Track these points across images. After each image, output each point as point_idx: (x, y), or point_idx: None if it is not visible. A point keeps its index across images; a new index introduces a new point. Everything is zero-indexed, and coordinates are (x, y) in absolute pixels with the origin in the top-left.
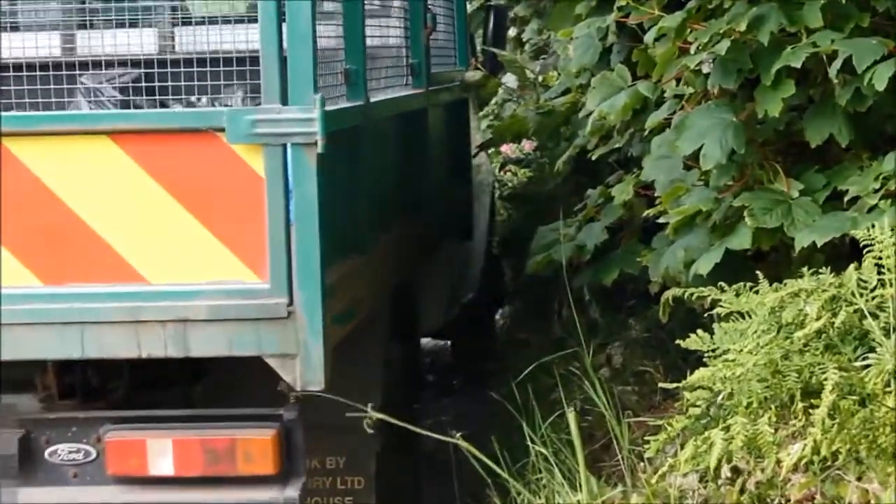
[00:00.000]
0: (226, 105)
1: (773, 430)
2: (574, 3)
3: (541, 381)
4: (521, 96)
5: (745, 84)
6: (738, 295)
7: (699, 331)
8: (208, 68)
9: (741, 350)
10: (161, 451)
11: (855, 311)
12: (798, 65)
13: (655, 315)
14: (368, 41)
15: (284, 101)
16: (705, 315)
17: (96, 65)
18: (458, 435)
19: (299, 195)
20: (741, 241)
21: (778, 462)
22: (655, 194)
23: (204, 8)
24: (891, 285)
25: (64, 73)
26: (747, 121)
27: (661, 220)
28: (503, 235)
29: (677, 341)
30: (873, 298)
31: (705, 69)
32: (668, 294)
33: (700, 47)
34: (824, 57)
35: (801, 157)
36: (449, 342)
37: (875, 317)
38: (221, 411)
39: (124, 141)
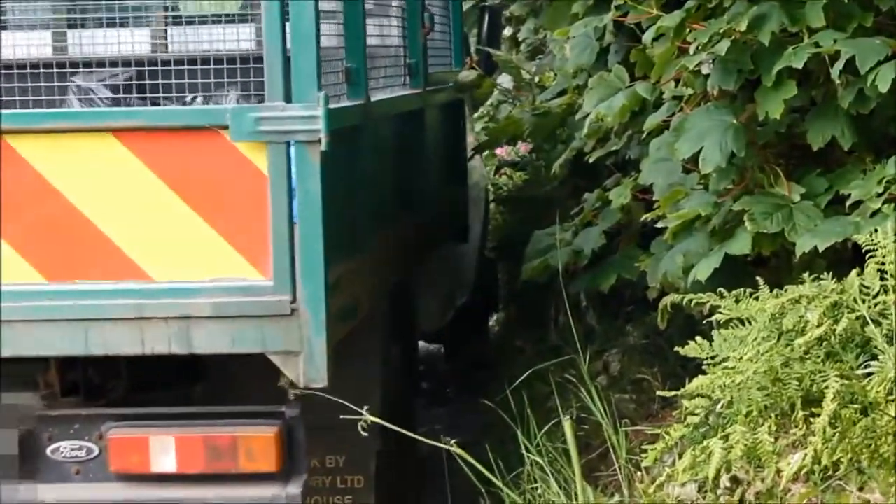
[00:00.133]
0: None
1: (772, 440)
2: (571, 2)
3: (536, 389)
4: (517, 97)
5: (745, 85)
6: (737, 301)
7: (698, 338)
8: (198, 67)
9: (741, 357)
10: (163, 448)
11: (857, 318)
12: (800, 65)
13: (653, 321)
14: (367, 41)
15: (288, 98)
16: (704, 322)
17: (88, 65)
18: (451, 442)
19: (303, 193)
20: (741, 245)
21: (778, 472)
22: (654, 198)
23: (195, 7)
24: (894, 292)
25: (55, 72)
26: (748, 123)
27: (659, 225)
28: (498, 240)
29: (676, 348)
30: (876, 305)
31: (705, 70)
32: (667, 300)
33: (699, 47)
34: (826, 57)
35: (802, 160)
36: (441, 347)
37: (877, 324)
38: (224, 409)
39: (128, 138)
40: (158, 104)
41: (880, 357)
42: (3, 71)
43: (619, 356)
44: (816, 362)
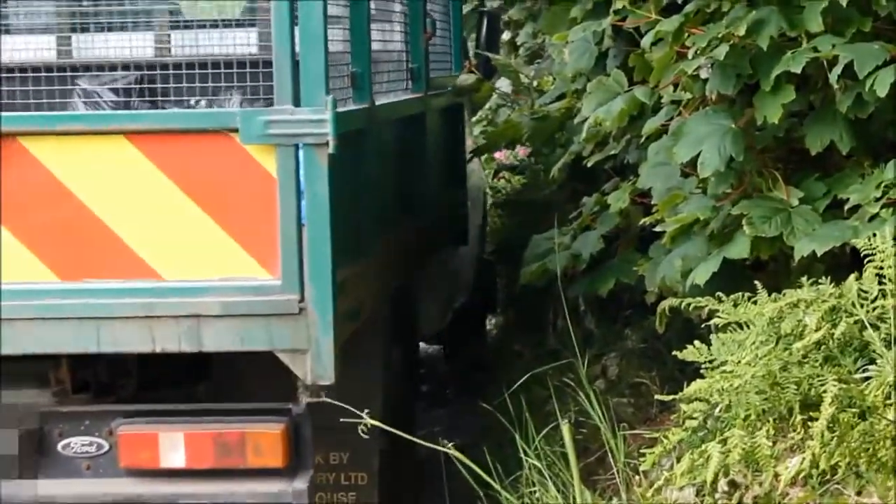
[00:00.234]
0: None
1: (771, 444)
2: (569, 7)
3: (535, 393)
4: (516, 101)
5: (743, 90)
6: (736, 305)
7: (696, 342)
8: (197, 71)
9: (739, 361)
10: (173, 444)
11: (855, 322)
12: (798, 70)
13: (652, 325)
14: (371, 45)
15: (297, 102)
16: (703, 326)
17: (93, 68)
18: (450, 445)
19: (311, 194)
20: (739, 250)
21: (776, 476)
22: (652, 202)
23: (196, 12)
24: (892, 296)
25: (56, 75)
26: (746, 127)
27: (658, 229)
28: (497, 243)
29: (674, 352)
30: (874, 309)
31: (703, 74)
32: (665, 304)
33: (698, 52)
34: (825, 62)
35: (800, 165)
36: (441, 348)
37: (875, 328)
38: (232, 406)
39: (140, 140)
40: (161, 107)
41: (878, 361)
42: (7, 75)
43: (618, 360)
44: (815, 366)
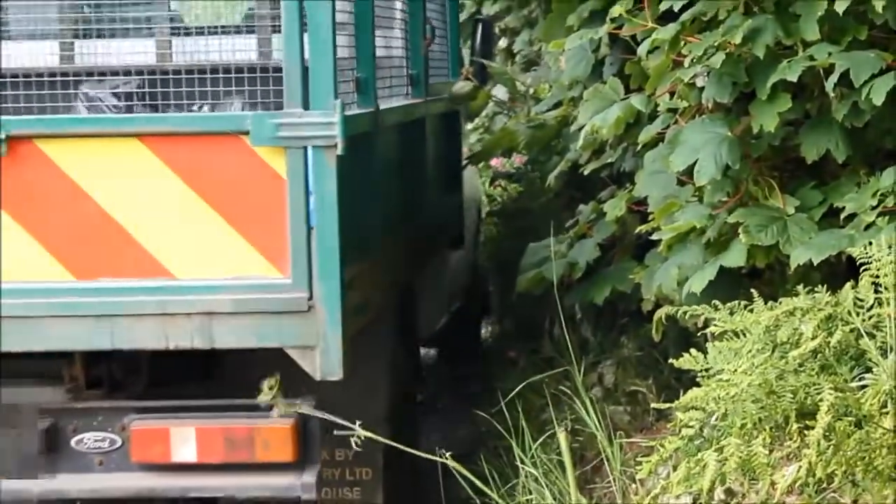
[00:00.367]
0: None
1: (767, 452)
2: (566, 15)
3: (531, 401)
4: (512, 109)
5: (740, 98)
6: (732, 313)
7: (693, 350)
8: (193, 76)
9: (735, 370)
10: (184, 439)
11: (851, 331)
12: (794, 78)
13: (648, 333)
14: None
15: (306, 105)
16: (699, 334)
17: (96, 74)
18: (447, 455)
19: (319, 195)
20: (736, 258)
21: (772, 484)
22: (649, 210)
23: (194, 18)
24: (888, 304)
25: (60, 79)
26: (742, 135)
27: (654, 237)
28: (493, 252)
29: (670, 360)
30: (870, 318)
31: (700, 82)
32: (661, 312)
33: (694, 60)
34: (821, 71)
35: (797, 173)
36: (436, 351)
37: (872, 336)
38: (242, 401)
39: (153, 143)
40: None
41: (874, 370)
42: (12, 80)
43: (614, 368)
44: (811, 375)
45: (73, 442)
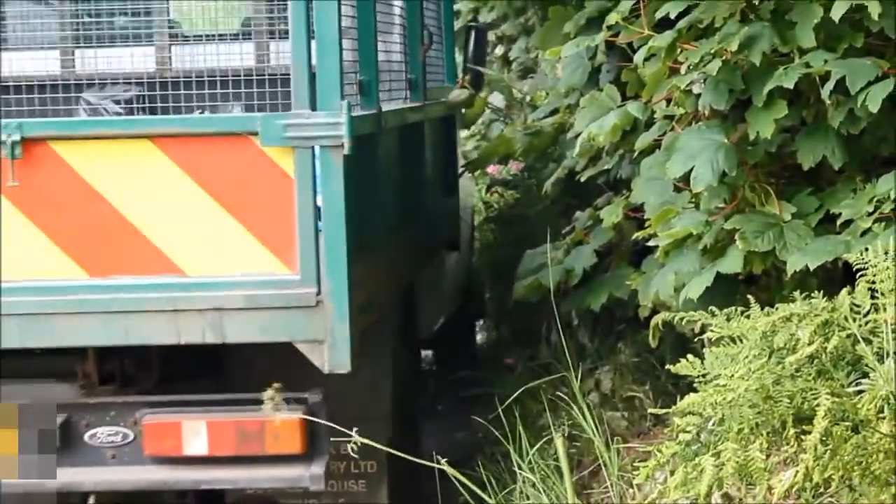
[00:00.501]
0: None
1: (764, 457)
2: (562, 22)
3: (528, 407)
4: (508, 116)
5: (736, 105)
6: (729, 319)
7: (690, 356)
8: (193, 79)
9: (732, 375)
10: (195, 433)
11: (848, 336)
12: (790, 85)
13: (645, 339)
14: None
15: (313, 106)
16: (696, 340)
17: (98, 81)
18: (444, 461)
19: (327, 193)
20: (732, 264)
21: (769, 489)
22: (645, 217)
23: (190, 25)
24: (884, 310)
25: (61, 84)
26: (739, 142)
27: (651, 244)
28: (489, 258)
29: (667, 366)
30: (866, 323)
31: (696, 89)
32: (658, 318)
33: (691, 67)
34: (817, 78)
35: (793, 180)
36: (431, 353)
37: (868, 342)
38: (251, 395)
39: (164, 144)
40: None
41: (871, 375)
42: (15, 84)
43: (611, 374)
44: (807, 380)
45: (86, 436)
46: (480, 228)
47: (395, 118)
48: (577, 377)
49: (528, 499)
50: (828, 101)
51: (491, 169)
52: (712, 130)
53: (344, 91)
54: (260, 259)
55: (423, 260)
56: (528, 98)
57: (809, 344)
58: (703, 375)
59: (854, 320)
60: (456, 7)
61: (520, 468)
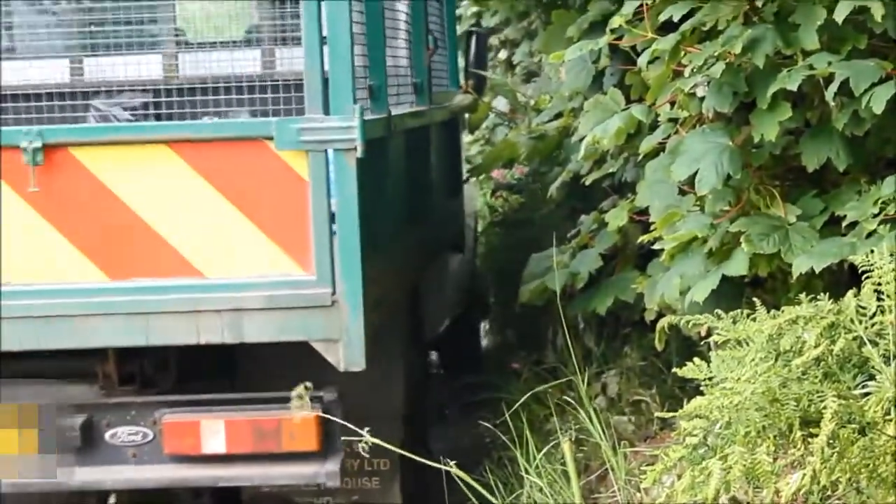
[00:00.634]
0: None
1: (771, 460)
2: (566, 26)
3: (535, 411)
4: (513, 120)
5: (740, 107)
6: (735, 322)
7: (696, 359)
8: (197, 85)
9: (739, 378)
10: (214, 431)
11: (854, 339)
12: (794, 88)
13: (651, 343)
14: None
15: (326, 111)
16: (702, 343)
17: (108, 89)
18: (452, 464)
19: (341, 195)
20: (738, 267)
21: (777, 492)
22: (650, 220)
23: (196, 33)
24: (890, 312)
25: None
26: (743, 145)
27: (656, 247)
28: (495, 262)
29: (674, 370)
30: (872, 325)
31: (700, 92)
32: (664, 322)
33: (694, 70)
34: (821, 80)
35: (798, 182)
36: (436, 355)
37: (874, 344)
38: (268, 394)
39: (182, 149)
40: None
41: (878, 377)
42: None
43: (618, 378)
44: (814, 383)
45: (107, 436)
46: (485, 232)
47: (403, 122)
48: (583, 381)
49: (535, 503)
50: (832, 103)
51: (495, 173)
52: (716, 133)
53: (356, 95)
54: (276, 260)
55: (430, 261)
56: (531, 102)
57: (816, 346)
58: (710, 378)
59: (860, 322)
60: (457, 12)
61: (527, 472)
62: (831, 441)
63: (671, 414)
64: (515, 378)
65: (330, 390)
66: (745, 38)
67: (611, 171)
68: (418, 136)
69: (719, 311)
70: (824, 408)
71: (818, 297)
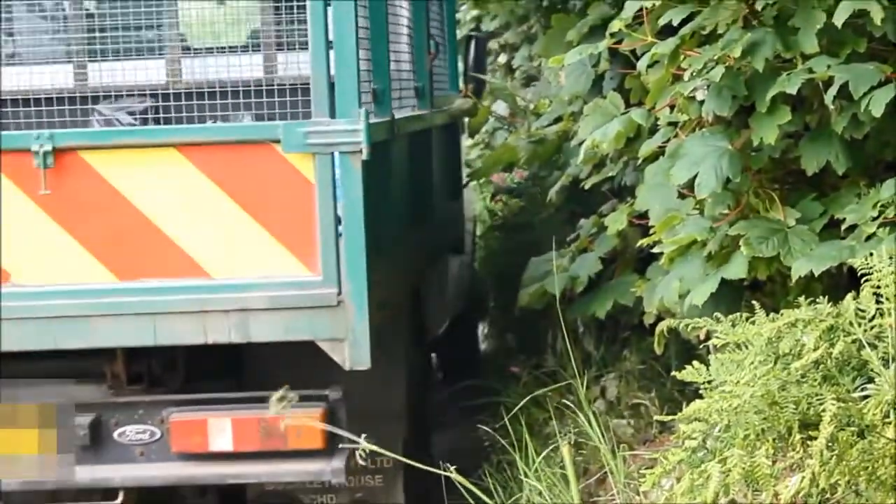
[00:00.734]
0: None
1: (770, 463)
2: (565, 30)
3: (534, 415)
4: (512, 124)
5: (740, 111)
6: (734, 325)
7: (695, 362)
8: (202, 90)
9: (738, 381)
10: (220, 430)
11: (853, 342)
12: (794, 91)
13: (650, 346)
14: None
15: (332, 114)
16: (701, 346)
17: (113, 92)
18: (452, 469)
19: (346, 197)
20: (737, 270)
21: (776, 495)
22: (650, 224)
23: (197, 37)
24: (889, 315)
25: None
26: (742, 148)
27: (655, 250)
28: (494, 266)
29: (673, 373)
30: (872, 328)
31: (699, 96)
32: (664, 325)
33: (694, 74)
34: (820, 83)
35: (797, 185)
36: (434, 356)
37: (873, 347)
38: (273, 393)
39: (190, 152)
40: None
41: (877, 380)
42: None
43: (617, 381)
44: (813, 385)
45: (115, 434)
46: (485, 236)
47: (406, 125)
48: (582, 385)
49: None
50: (831, 107)
51: (495, 177)
52: (716, 137)
53: (361, 99)
54: (282, 261)
55: (432, 262)
56: (531, 106)
57: (815, 349)
58: (709, 382)
59: (859, 325)
60: (457, 16)
61: (526, 476)
62: (830, 444)
63: (670, 417)
64: (515, 382)
65: (335, 389)
66: (745, 41)
67: (610, 174)
68: (420, 140)
69: (718, 315)
70: (823, 411)
71: (817, 300)
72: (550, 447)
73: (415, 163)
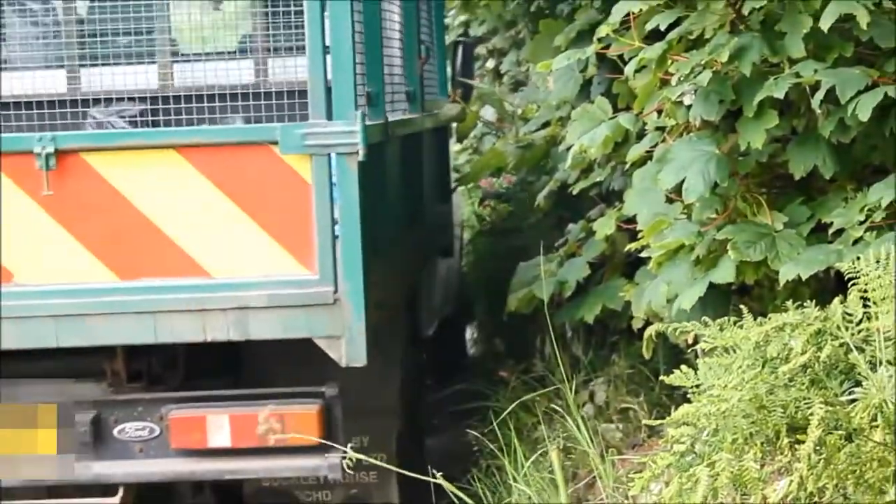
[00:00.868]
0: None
1: (758, 466)
2: (553, 35)
3: (523, 420)
4: (500, 129)
5: (727, 115)
6: (722, 329)
7: (683, 366)
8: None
9: (726, 385)
10: (219, 426)
11: (841, 345)
12: (781, 95)
13: (639, 351)
14: None
15: (329, 116)
16: (689, 350)
17: (102, 98)
18: (439, 475)
19: (343, 198)
20: (725, 274)
21: (764, 498)
22: (638, 228)
23: (189, 43)
24: (876, 318)
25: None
26: (730, 153)
27: (643, 255)
28: (482, 271)
29: (661, 377)
30: (859, 332)
31: (687, 101)
32: (652, 329)
33: (681, 78)
34: (807, 88)
35: (784, 189)
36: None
37: (861, 350)
38: (271, 390)
39: (189, 153)
40: None
41: (864, 383)
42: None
43: (605, 386)
44: (801, 389)
45: (115, 431)
46: (473, 241)
47: (399, 128)
48: (571, 389)
49: None
50: (818, 111)
51: (483, 182)
52: (703, 141)
53: (357, 102)
54: (280, 261)
55: (423, 263)
56: (519, 111)
57: (802, 353)
58: (697, 386)
59: (847, 329)
60: (445, 21)
61: (515, 481)
62: (818, 447)
63: (659, 421)
64: (503, 386)
65: (331, 386)
66: (732, 46)
67: (598, 179)
68: (411, 143)
69: (706, 319)
70: (811, 414)
71: (805, 304)
72: (539, 452)
73: (407, 165)
